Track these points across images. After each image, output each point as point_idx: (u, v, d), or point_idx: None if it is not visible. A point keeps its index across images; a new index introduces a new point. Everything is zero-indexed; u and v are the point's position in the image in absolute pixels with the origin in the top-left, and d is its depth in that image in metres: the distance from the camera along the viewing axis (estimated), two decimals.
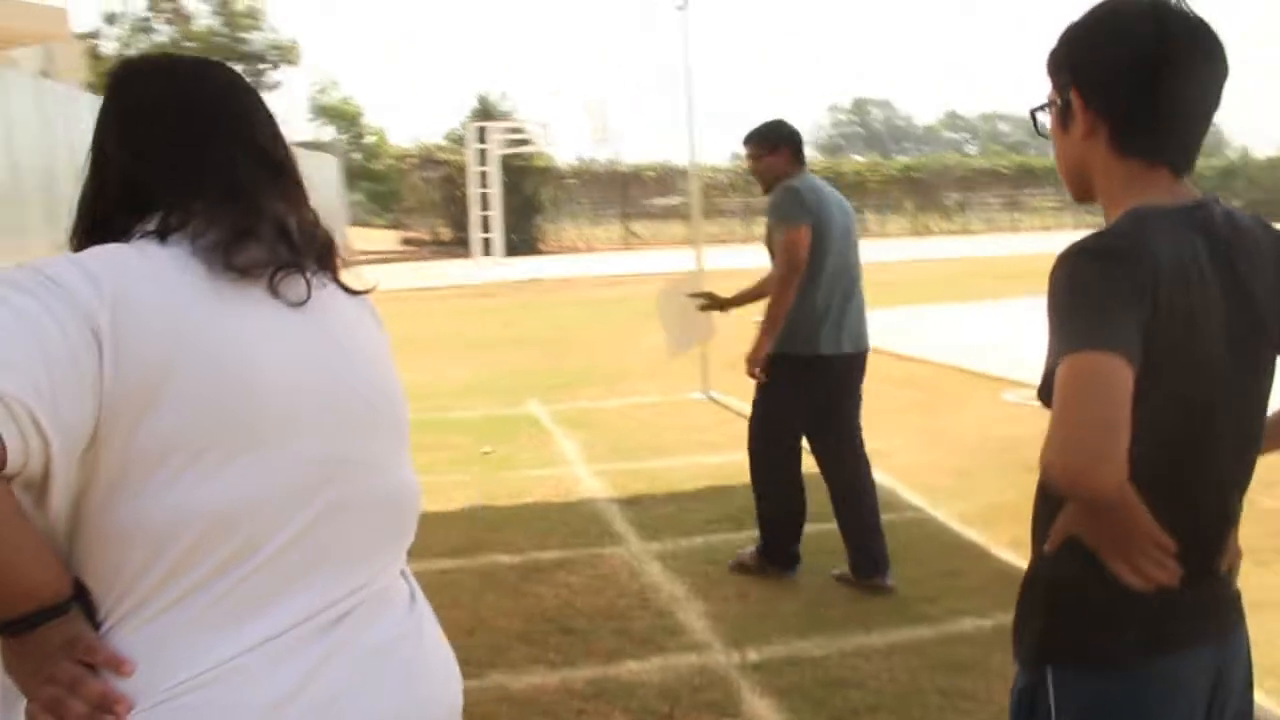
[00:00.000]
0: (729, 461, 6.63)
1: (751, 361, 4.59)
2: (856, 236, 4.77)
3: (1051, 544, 1.50)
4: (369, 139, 46.32)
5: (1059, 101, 1.55)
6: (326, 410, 1.23)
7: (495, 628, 4.26)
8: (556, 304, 17.61)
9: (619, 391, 9.35)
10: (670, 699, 3.58)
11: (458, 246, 34.05)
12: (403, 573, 1.37)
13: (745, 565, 4.77)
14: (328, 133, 44.82)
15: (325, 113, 45.61)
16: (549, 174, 39.04)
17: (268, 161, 1.30)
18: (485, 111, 37.56)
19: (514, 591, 4.64)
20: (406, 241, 37.59)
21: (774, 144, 4.74)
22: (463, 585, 4.73)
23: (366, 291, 1.38)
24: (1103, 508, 1.38)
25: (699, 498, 5.90)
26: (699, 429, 7.69)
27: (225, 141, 1.27)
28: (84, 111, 17.42)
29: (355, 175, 43.54)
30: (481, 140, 29.71)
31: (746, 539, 5.13)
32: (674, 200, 39.63)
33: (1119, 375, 1.31)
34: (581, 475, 6.58)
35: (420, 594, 1.39)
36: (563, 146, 42.89)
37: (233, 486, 1.14)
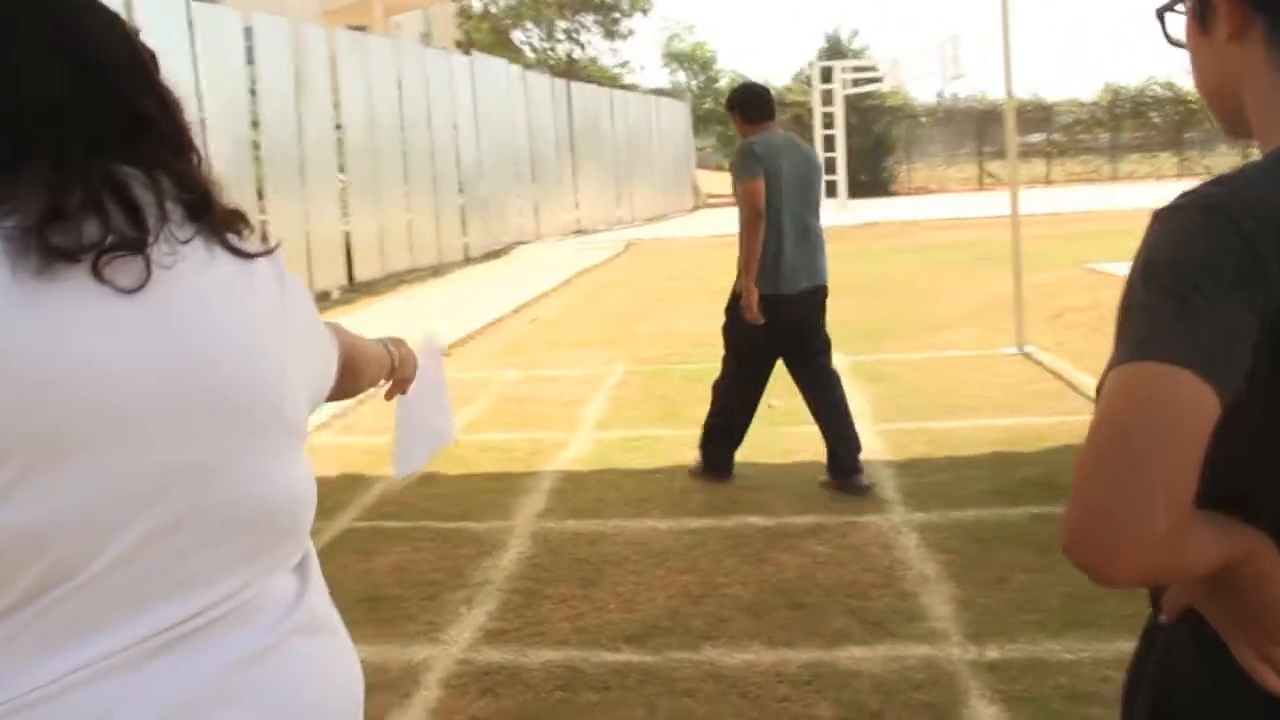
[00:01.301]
0: (1023, 424, 6.07)
1: (746, 307, 5.05)
2: (817, 183, 5.28)
3: (1168, 613, 1.10)
4: (722, 83, 46.59)
5: None
6: (163, 411, 1.04)
7: (725, 595, 4.05)
8: (889, 249, 16.95)
9: (928, 344, 8.81)
10: (884, 694, 3.24)
11: None
12: (302, 561, 1.17)
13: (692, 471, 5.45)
14: (681, 79, 45.51)
15: (678, 59, 46.28)
16: (901, 113, 37.80)
17: (127, 114, 1.09)
18: (834, 50, 36.78)
19: (756, 558, 4.41)
20: None
21: (730, 109, 5.41)
22: (706, 547, 4.55)
23: (265, 253, 1.16)
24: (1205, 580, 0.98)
25: (979, 465, 5.39)
26: (1002, 387, 7.07)
27: (60, 95, 1.05)
28: (431, 68, 18.49)
29: (708, 120, 44.05)
30: (827, 80, 29.02)
31: (1022, 515, 4.65)
32: (1035, 138, 37.32)
33: (1182, 402, 0.89)
34: (862, 432, 6.17)
35: (312, 591, 1.17)
36: (917, 84, 41.21)
37: (34, 504, 0.98)
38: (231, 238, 1.13)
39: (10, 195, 1.00)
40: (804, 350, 5.27)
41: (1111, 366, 0.94)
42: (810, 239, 5.16)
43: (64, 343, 0.99)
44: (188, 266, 1.07)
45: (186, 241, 1.08)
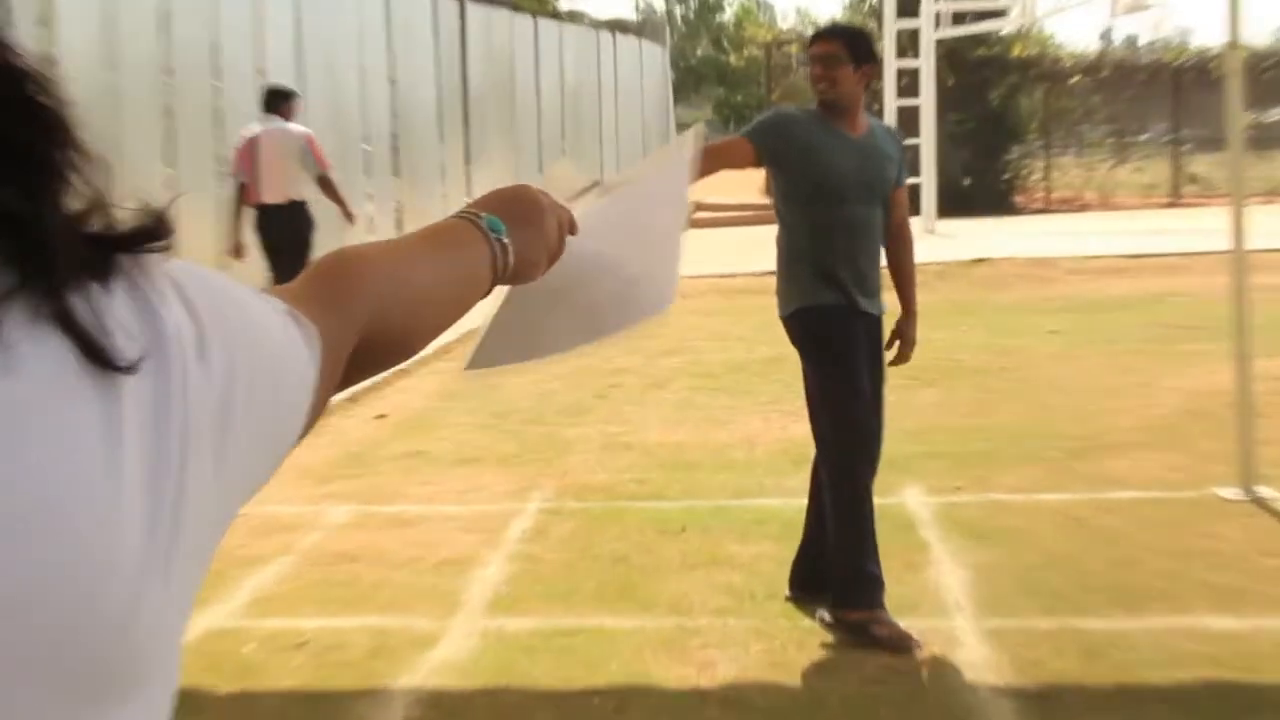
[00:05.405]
0: (1261, 629, 6.01)
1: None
2: None
3: None
4: (726, 15, 47.60)
5: None
6: None
7: None
8: (1010, 307, 17.10)
9: (1077, 474, 8.79)
10: None
11: None
12: None
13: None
14: (656, 4, 46.49)
15: None
16: (1035, 70, 38.28)
17: None
18: None
19: None
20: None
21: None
22: None
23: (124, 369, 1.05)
24: None
25: (1178, 700, 5.32)
26: (1216, 558, 7.00)
27: None
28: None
29: (700, 76, 44.94)
30: (910, 13, 29.19)
31: None
32: (1274, 115, 37.89)
33: None
34: (962, 636, 6.13)
35: None
36: (1065, 22, 41.84)
37: None
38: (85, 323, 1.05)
39: None
40: None
41: None
42: None
43: None
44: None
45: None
